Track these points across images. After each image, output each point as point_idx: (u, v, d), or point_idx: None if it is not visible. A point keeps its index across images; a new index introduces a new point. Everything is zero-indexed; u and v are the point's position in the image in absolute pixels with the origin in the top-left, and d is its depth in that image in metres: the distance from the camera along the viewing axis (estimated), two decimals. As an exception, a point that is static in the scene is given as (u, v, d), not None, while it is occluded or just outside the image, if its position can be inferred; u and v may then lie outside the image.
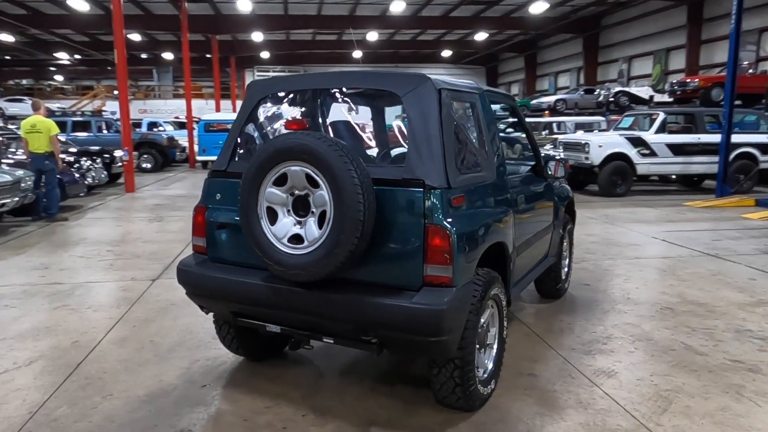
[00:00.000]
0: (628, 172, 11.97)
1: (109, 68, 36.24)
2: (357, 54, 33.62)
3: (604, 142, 11.92)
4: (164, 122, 23.36)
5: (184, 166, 20.84)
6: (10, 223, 8.84)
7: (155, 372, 3.63)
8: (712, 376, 3.54)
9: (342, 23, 26.35)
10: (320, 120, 3.23)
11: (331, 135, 3.04)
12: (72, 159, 10.85)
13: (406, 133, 2.86)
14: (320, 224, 2.67)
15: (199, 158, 18.63)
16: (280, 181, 2.75)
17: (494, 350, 3.30)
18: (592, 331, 4.31)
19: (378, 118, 3.68)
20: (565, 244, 5.14)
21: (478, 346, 3.09)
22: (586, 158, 11.92)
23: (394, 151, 3.41)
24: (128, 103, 13.72)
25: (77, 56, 34.07)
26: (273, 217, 2.79)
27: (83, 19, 23.89)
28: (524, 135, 4.50)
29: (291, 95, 3.26)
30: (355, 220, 2.56)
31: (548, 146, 13.80)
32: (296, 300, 2.87)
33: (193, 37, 28.73)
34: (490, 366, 3.24)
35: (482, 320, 3.12)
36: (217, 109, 28.15)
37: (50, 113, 25.20)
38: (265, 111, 3.31)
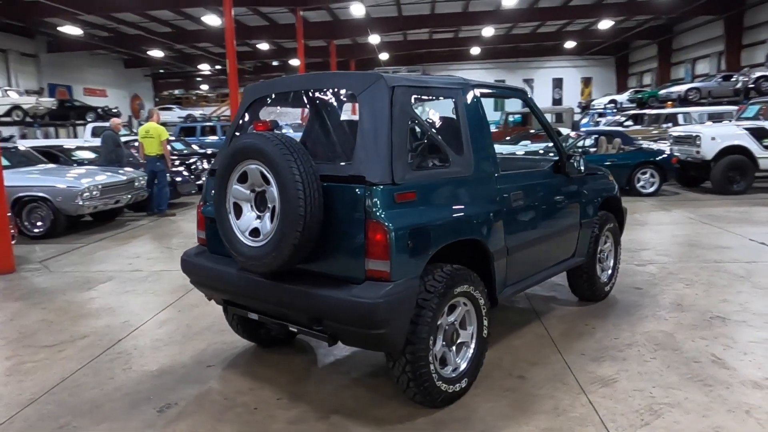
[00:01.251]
0: (749, 167, 10.70)
1: (246, 76, 39.37)
2: (475, 51, 33.28)
3: (718, 134, 10.78)
4: (286, 125, 24.88)
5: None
6: (127, 218, 10.07)
7: (175, 351, 4.03)
8: (726, 393, 3.19)
9: (456, 20, 26.22)
10: (287, 120, 3.40)
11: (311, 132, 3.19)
12: (180, 161, 12.00)
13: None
14: (272, 219, 2.84)
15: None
16: (243, 179, 2.97)
17: (471, 349, 3.26)
18: (614, 337, 4.04)
19: (338, 116, 3.73)
20: (608, 244, 4.84)
21: (444, 343, 3.09)
22: (698, 152, 10.86)
23: (348, 149, 3.45)
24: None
25: (218, 66, 37.29)
26: (239, 211, 3.02)
27: (217, 33, 26.15)
28: (547, 129, 4.29)
29: (274, 97, 3.46)
30: (296, 214, 2.70)
31: (660, 140, 12.75)
32: (260, 289, 3.08)
33: (315, 43, 30.37)
34: (464, 365, 3.21)
35: (450, 318, 3.11)
36: (335, 111, 29.38)
37: (193, 119, 27.71)
38: (254, 112, 3.54)
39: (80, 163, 11.12)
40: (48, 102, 21.37)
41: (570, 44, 33.13)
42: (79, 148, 13.21)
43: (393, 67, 36.89)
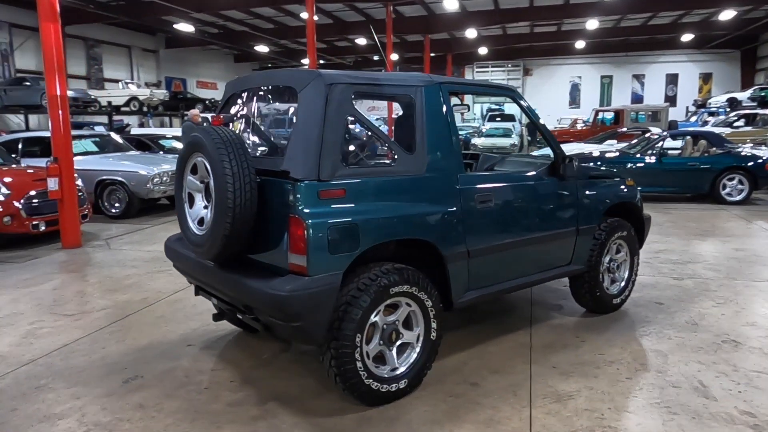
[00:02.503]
0: None
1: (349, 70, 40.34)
2: (580, 44, 31.73)
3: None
4: (376, 119, 25.27)
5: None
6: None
7: (170, 329, 4.33)
8: (688, 424, 2.91)
9: (557, 13, 25.14)
10: (248, 115, 3.51)
11: (251, 128, 3.31)
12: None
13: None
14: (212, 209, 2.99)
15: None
16: (194, 170, 3.14)
17: (415, 351, 3.22)
18: (599, 353, 3.79)
19: (284, 113, 3.75)
20: (621, 254, 4.52)
21: (381, 342, 3.09)
22: (796, 157, 9.72)
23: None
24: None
25: (321, 61, 38.54)
26: (192, 201, 3.20)
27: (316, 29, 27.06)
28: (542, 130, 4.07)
29: (242, 93, 3.60)
30: (225, 206, 2.82)
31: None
32: (209, 276, 3.25)
33: (413, 37, 30.50)
34: (404, 367, 3.18)
35: (390, 318, 3.10)
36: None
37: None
38: (228, 107, 3.71)
39: (169, 151, 12.04)
40: (161, 94, 23.27)
41: (687, 37, 30.60)
42: (175, 137, 14.32)
43: (490, 62, 36.09)
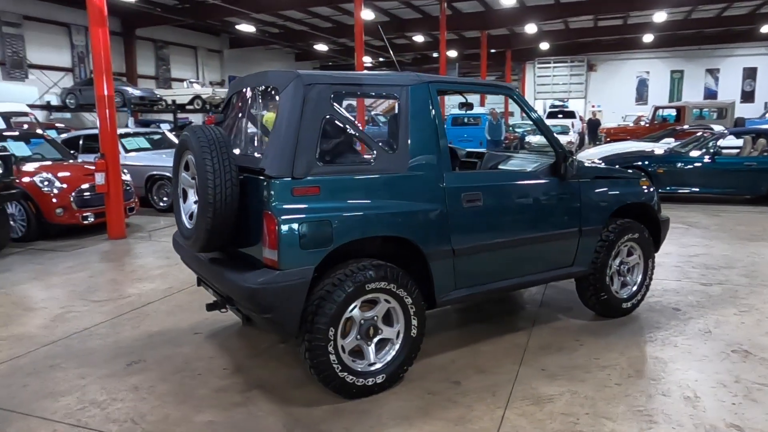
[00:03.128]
0: None
1: (408, 68, 40.44)
2: (648, 38, 30.40)
3: None
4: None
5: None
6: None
7: (182, 318, 4.56)
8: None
9: (621, 5, 24.18)
10: (240, 115, 3.63)
11: (242, 128, 3.44)
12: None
13: (278, 126, 3.10)
14: (199, 205, 3.15)
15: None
16: (187, 167, 3.31)
17: (395, 347, 3.27)
18: (595, 357, 3.71)
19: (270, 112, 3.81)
20: (634, 256, 4.38)
21: (358, 336, 3.15)
22: None
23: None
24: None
25: (381, 59, 38.79)
26: (185, 196, 3.37)
27: (372, 27, 27.29)
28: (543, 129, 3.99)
29: (240, 93, 3.74)
30: (206, 202, 2.97)
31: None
32: (202, 268, 3.42)
33: (471, 33, 30.17)
34: (383, 362, 3.23)
35: (369, 314, 3.16)
36: (482, 104, 28.98)
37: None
38: (229, 106, 3.86)
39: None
40: (222, 92, 24.14)
41: (767, 28, 28.72)
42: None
43: (553, 57, 35.12)
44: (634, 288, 4.44)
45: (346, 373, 3.09)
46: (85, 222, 7.62)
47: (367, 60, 37.79)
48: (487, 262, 3.62)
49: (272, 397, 3.25)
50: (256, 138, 3.62)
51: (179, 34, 26.58)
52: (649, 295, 4.85)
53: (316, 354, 2.99)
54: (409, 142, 3.27)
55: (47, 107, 21.43)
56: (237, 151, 3.45)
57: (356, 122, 3.26)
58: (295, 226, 2.86)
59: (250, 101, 3.61)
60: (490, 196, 3.57)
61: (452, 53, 35.44)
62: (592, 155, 12.09)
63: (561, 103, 33.55)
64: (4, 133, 8.70)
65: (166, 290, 5.28)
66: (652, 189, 4.54)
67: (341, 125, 3.19)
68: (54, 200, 7.36)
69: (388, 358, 3.26)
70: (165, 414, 3.06)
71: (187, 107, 23.02)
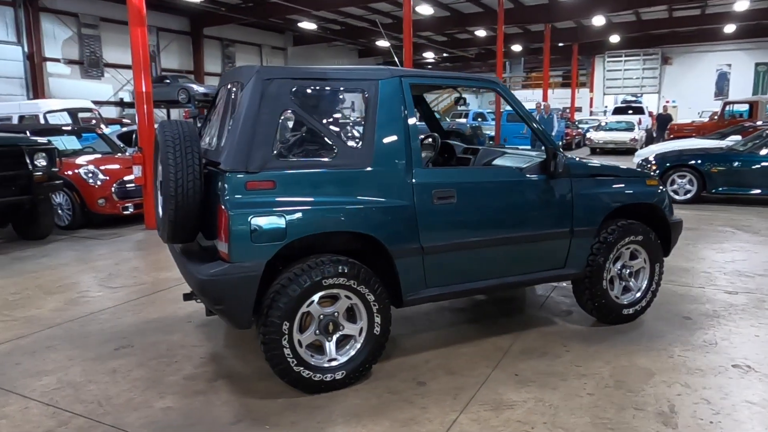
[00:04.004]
0: None
1: (472, 63, 39.93)
2: (729, 29, 28.49)
3: None
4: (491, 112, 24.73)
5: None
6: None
7: (182, 306, 4.68)
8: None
9: (698, -5, 22.86)
10: (220, 110, 3.66)
11: (219, 122, 3.49)
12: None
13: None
14: (170, 197, 3.23)
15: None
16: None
17: (358, 344, 3.24)
18: (576, 365, 3.52)
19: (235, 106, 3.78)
20: (638, 260, 4.13)
21: (318, 332, 3.15)
22: None
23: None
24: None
25: (444, 54, 38.46)
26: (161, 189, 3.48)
27: (433, 22, 27.11)
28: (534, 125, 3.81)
29: (222, 87, 3.80)
30: (168, 194, 3.05)
31: None
32: (176, 258, 3.52)
33: (536, 27, 29.33)
34: (344, 358, 3.21)
35: (329, 309, 3.15)
36: (544, 99, 28.10)
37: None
38: (215, 101, 3.94)
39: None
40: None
41: None
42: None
43: (624, 51, 33.57)
44: (638, 294, 4.18)
45: (302, 368, 3.09)
46: (126, 212, 8.02)
47: (430, 56, 37.64)
48: (462, 262, 3.51)
49: (235, 387, 3.30)
50: (222, 132, 3.68)
51: (245, 32, 27.43)
52: (661, 302, 4.57)
53: (271, 347, 3.01)
54: (375, 137, 3.23)
55: (120, 104, 22.74)
56: (214, 145, 3.51)
57: (320, 117, 3.23)
58: (246, 219, 2.89)
59: (226, 96, 3.67)
60: (464, 193, 3.46)
61: (516, 47, 34.68)
62: (648, 153, 11.47)
63: (633, 99, 32.08)
64: (62, 128, 9.30)
65: (177, 279, 5.46)
66: (661, 189, 4.26)
67: (302, 120, 3.19)
68: (96, 191, 7.80)
69: (350, 355, 3.23)
70: (130, 398, 3.18)
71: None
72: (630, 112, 25.29)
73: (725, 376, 3.35)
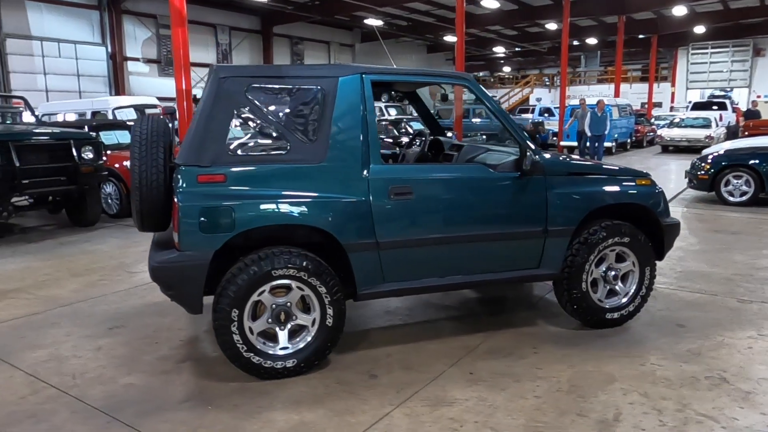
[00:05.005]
0: None
1: (546, 57, 38.78)
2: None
3: None
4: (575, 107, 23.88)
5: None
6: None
7: (186, 292, 4.98)
8: (543, 452, 2.59)
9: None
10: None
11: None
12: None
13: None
14: (142, 188, 3.46)
15: (562, 143, 18.75)
16: (141, 155, 3.65)
17: (310, 334, 3.33)
18: (537, 367, 3.45)
19: None
20: (627, 263, 3.96)
21: (269, 320, 3.27)
22: None
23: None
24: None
25: (517, 48, 37.61)
26: (142, 180, 3.72)
27: (501, 16, 26.58)
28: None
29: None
30: (135, 186, 3.28)
31: None
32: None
33: (612, 19, 28.07)
34: (293, 348, 3.30)
35: (280, 300, 3.26)
36: (617, 95, 26.82)
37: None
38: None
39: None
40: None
41: None
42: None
43: (711, 42, 31.51)
44: (623, 299, 4.01)
45: (252, 354, 3.23)
46: (168, 203, 8.50)
47: (500, 50, 36.92)
48: (422, 258, 3.52)
49: (198, 369, 3.49)
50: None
51: (313, 30, 28.09)
52: (661, 307, 4.39)
53: (221, 333, 3.17)
54: (329, 133, 3.30)
55: (194, 100, 23.93)
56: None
57: (276, 114, 3.34)
58: (195, 211, 3.05)
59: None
60: (424, 189, 3.47)
61: (591, 40, 33.35)
62: (716, 150, 10.79)
63: (723, 93, 30.03)
64: (116, 123, 9.99)
65: (193, 267, 5.78)
66: (658, 190, 4.06)
67: (256, 117, 3.31)
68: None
69: (302, 344, 3.33)
70: (101, 373, 3.44)
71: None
72: (714, 107, 23.70)
73: (692, 387, 3.17)
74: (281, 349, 3.31)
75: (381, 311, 4.41)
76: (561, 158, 3.92)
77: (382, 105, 21.35)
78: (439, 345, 3.80)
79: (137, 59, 22.07)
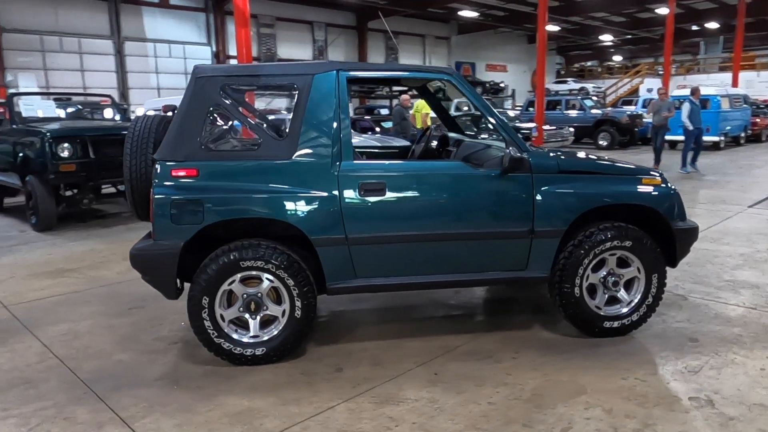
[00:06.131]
0: None
1: (658, 44, 36.14)
2: None
3: None
4: (678, 98, 22.13)
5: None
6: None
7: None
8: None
9: None
10: None
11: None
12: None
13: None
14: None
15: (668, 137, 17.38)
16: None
17: (280, 325, 3.44)
18: (508, 373, 3.31)
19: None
20: (631, 268, 3.69)
21: (240, 309, 3.42)
22: None
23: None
24: (544, 82, 14.58)
25: (628, 36, 35.36)
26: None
27: (600, 1, 25.16)
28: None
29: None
30: (126, 179, 3.56)
31: None
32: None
33: (734, 0, 25.58)
34: (263, 337, 3.42)
35: (251, 290, 3.40)
36: (735, 84, 24.34)
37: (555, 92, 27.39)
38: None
39: (384, 132, 13.28)
40: (438, 78, 25.03)
41: None
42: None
43: None
44: (623, 309, 3.72)
45: (222, 340, 3.39)
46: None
47: (607, 38, 34.88)
48: (395, 255, 3.50)
49: (183, 351, 3.72)
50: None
51: (408, 23, 28.17)
52: (683, 318, 4.07)
53: (193, 318, 3.36)
54: (300, 130, 3.37)
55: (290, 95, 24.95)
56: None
57: (250, 111, 3.45)
58: (167, 203, 3.25)
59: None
60: (396, 186, 3.44)
61: (712, 25, 30.61)
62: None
63: None
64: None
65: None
66: (667, 190, 3.73)
67: (230, 114, 3.44)
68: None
69: (271, 334, 3.44)
70: (101, 348, 3.78)
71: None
72: None
73: (668, 407, 2.90)
74: (252, 337, 3.44)
75: (379, 307, 4.43)
76: (553, 155, 3.70)
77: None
78: (420, 343, 3.75)
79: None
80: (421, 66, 3.94)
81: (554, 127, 15.80)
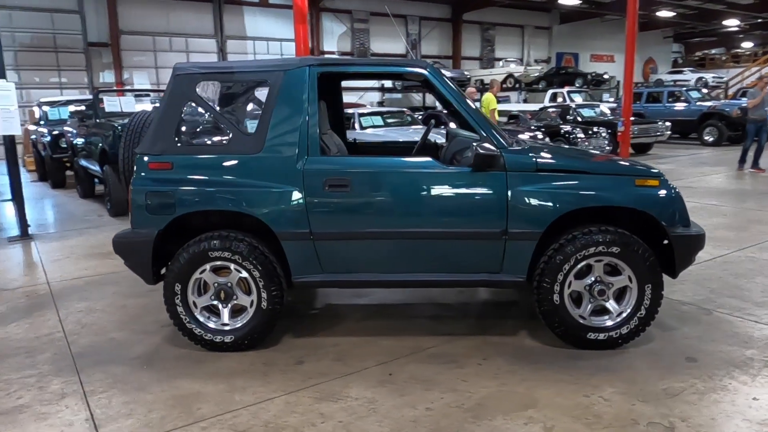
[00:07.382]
0: None
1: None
2: None
3: None
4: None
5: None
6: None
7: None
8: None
9: None
10: None
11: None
12: (538, 134, 12.29)
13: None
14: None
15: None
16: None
17: (249, 314, 3.54)
18: (463, 379, 3.17)
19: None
20: (622, 276, 3.39)
21: (212, 297, 3.56)
22: None
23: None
24: (631, 72, 13.50)
25: (759, 19, 31.94)
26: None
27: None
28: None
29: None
30: (120, 170, 3.83)
31: None
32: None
33: None
34: (233, 326, 3.55)
35: (222, 279, 3.53)
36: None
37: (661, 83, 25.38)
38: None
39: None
40: (534, 70, 24.15)
41: None
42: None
43: None
44: (609, 321, 3.43)
45: (194, 326, 3.55)
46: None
47: (733, 23, 31.69)
48: (361, 251, 3.46)
49: (169, 335, 3.90)
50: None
51: (506, 14, 27.40)
52: (694, 334, 3.72)
53: (168, 304, 3.54)
54: (268, 125, 3.43)
55: (381, 89, 25.23)
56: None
57: (224, 107, 3.55)
58: (143, 194, 3.45)
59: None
60: (361, 182, 3.39)
61: None
62: None
63: None
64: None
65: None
66: (666, 193, 3.37)
67: (203, 111, 3.57)
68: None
69: (240, 323, 3.55)
70: (103, 327, 4.09)
71: (502, 86, 23.92)
72: None
73: (619, 428, 2.64)
74: (222, 324, 3.58)
75: (377, 303, 4.40)
76: (532, 153, 3.45)
77: (565, 92, 19.94)
78: (392, 342, 3.69)
79: (332, 53, 23.98)
80: (394, 60, 3.87)
81: (646, 122, 14.68)
